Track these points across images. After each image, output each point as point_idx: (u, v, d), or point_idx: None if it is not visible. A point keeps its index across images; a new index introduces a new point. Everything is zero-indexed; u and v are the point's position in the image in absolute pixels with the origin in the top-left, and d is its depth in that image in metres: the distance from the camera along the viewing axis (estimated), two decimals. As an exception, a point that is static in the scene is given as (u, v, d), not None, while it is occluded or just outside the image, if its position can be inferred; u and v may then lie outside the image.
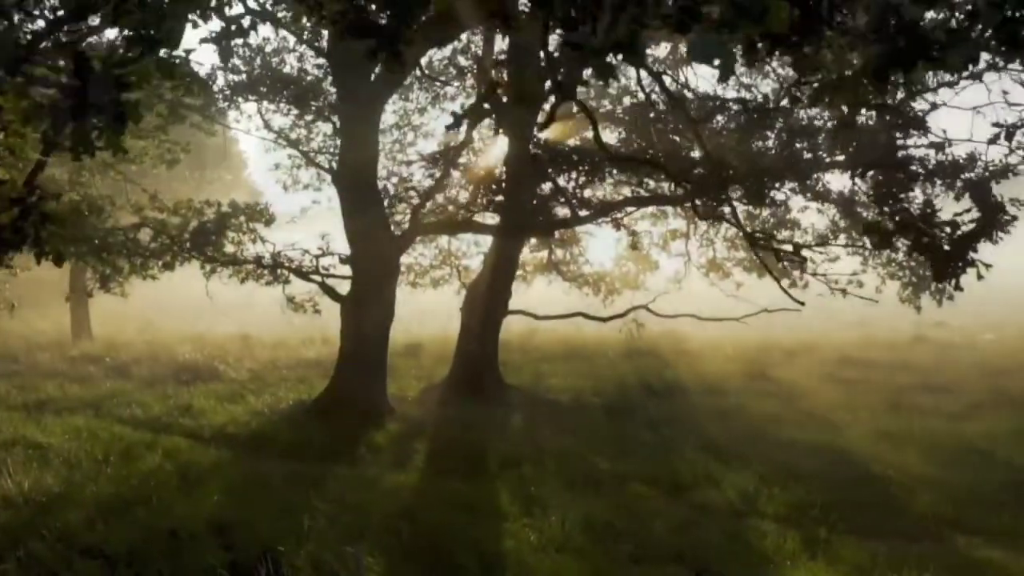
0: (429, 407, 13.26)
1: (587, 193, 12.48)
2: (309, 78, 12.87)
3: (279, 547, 6.14)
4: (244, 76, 12.96)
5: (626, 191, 13.58)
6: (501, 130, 11.20)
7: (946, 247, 5.53)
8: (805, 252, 12.60)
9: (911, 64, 2.88)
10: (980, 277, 6.39)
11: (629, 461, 9.66)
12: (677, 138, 11.93)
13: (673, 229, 19.85)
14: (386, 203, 12.45)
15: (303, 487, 8.10)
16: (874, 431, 11.75)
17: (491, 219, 13.80)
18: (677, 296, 21.49)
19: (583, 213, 12.40)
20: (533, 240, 17.74)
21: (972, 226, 6.98)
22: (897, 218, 5.83)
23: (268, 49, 13.03)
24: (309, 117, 13.63)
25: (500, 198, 11.39)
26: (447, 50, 16.10)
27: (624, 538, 6.92)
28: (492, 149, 12.95)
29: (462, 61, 14.57)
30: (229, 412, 12.22)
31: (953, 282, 5.82)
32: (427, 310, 25.69)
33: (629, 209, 16.10)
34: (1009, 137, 8.34)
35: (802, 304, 17.72)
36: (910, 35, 2.78)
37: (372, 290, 12.30)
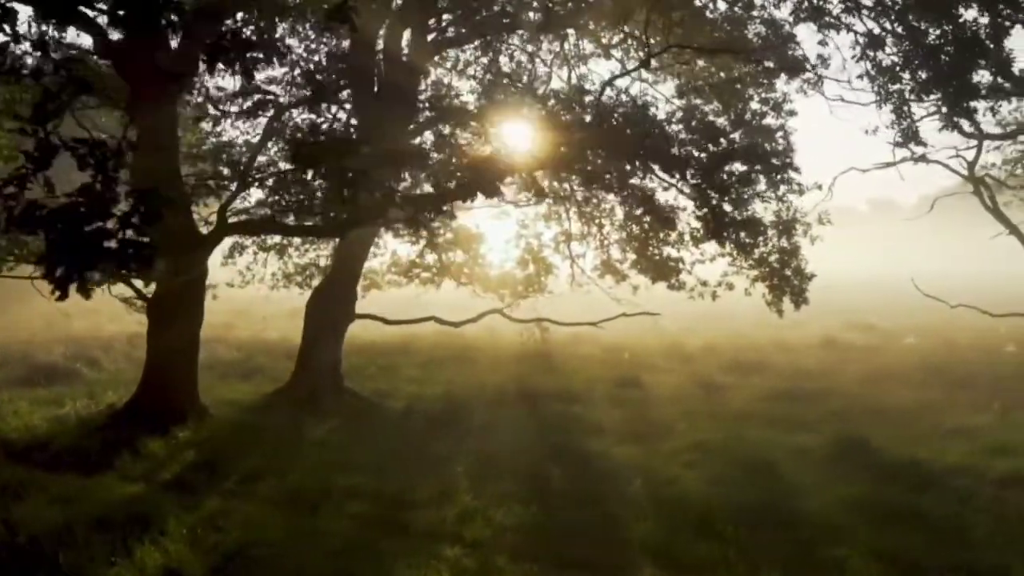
0: (253, 415, 12.85)
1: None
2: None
3: None
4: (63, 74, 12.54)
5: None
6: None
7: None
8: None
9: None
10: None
11: (381, 476, 9.13)
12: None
13: (566, 230, 19.28)
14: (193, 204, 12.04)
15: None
16: (690, 443, 11.14)
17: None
18: (584, 300, 20.89)
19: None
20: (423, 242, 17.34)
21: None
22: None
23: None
24: (116, 115, 13.27)
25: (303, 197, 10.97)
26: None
27: (265, 564, 6.47)
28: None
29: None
30: (27, 417, 11.85)
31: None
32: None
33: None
34: None
35: (658, 313, 17.20)
36: None
37: (178, 292, 11.87)
